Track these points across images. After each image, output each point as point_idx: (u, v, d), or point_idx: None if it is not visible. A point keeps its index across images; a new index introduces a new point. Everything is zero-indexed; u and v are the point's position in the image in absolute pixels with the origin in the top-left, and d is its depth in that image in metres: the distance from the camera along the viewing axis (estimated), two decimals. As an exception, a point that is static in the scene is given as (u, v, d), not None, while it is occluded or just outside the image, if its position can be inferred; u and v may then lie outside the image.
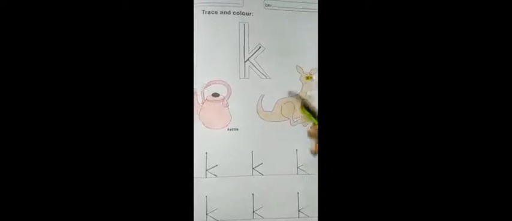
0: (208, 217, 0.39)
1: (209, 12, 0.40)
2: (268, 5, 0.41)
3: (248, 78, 0.40)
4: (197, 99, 0.39)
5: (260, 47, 0.41)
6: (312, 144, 0.41)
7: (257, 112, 0.40)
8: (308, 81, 0.41)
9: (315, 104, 0.41)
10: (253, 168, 0.40)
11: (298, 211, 0.40)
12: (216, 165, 0.39)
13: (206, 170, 0.39)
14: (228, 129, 0.40)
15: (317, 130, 0.40)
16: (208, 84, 0.40)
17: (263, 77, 0.41)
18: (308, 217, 0.40)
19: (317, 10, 0.39)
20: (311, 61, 0.41)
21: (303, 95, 0.41)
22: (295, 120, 0.41)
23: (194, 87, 0.39)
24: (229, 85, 0.40)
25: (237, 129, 0.40)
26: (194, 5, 0.39)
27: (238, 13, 0.40)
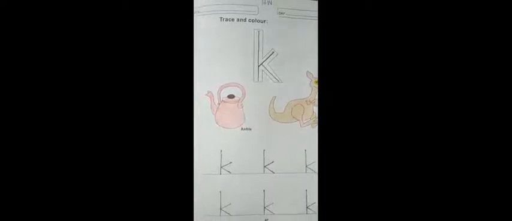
0: (221, 211, 0.41)
1: (227, 20, 0.42)
2: (282, 13, 0.44)
3: (261, 81, 0.43)
4: (213, 100, 0.42)
5: (273, 53, 0.43)
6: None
7: (269, 113, 0.43)
8: (317, 85, 0.44)
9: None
10: (264, 166, 0.42)
11: (307, 207, 0.43)
12: (230, 162, 0.42)
13: (221, 167, 0.42)
14: (241, 129, 0.42)
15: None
16: (224, 87, 0.42)
17: (275, 80, 0.43)
18: (315, 213, 0.43)
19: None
20: (320, 66, 0.43)
21: (311, 98, 0.44)
22: (304, 121, 0.44)
23: (211, 89, 0.42)
24: (243, 88, 0.43)
25: (250, 129, 0.42)
26: (213, 13, 0.42)
27: (253, 21, 0.43)
